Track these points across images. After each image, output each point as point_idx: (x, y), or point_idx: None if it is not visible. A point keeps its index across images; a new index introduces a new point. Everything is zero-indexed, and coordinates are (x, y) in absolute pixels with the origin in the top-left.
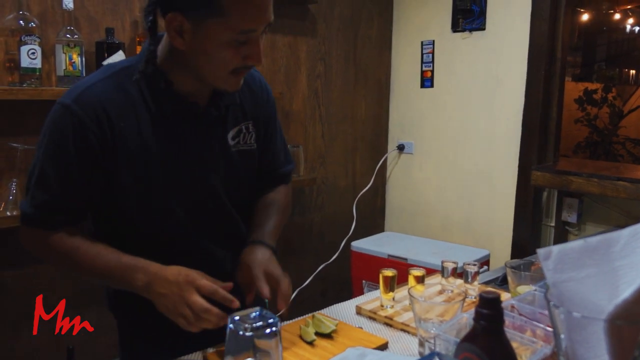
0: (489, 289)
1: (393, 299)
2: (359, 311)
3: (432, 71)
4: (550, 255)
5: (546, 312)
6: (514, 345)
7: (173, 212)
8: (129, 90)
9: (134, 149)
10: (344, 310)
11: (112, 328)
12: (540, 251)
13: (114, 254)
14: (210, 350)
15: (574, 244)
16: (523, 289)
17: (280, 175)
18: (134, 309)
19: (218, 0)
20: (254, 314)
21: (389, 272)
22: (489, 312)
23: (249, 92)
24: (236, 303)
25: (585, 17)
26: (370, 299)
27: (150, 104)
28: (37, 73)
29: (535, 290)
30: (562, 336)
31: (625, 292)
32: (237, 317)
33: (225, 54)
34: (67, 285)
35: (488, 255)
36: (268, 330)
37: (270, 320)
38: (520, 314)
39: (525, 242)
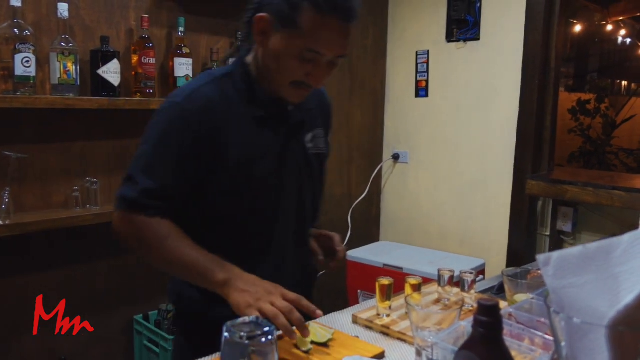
0: (487, 297)
1: (389, 307)
2: (355, 320)
3: (427, 81)
4: (549, 261)
5: (544, 320)
6: (513, 353)
7: (255, 207)
8: (228, 94)
9: (229, 146)
10: (339, 320)
11: (108, 336)
12: (540, 257)
13: (199, 249)
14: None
15: (573, 250)
16: (520, 297)
17: None
18: (194, 306)
19: (298, 16)
20: (249, 321)
21: (386, 281)
22: (488, 319)
23: (320, 102)
24: (319, 313)
25: (578, 28)
26: (367, 307)
27: (245, 106)
28: (32, 81)
29: (533, 298)
30: (563, 344)
31: (627, 298)
32: (232, 325)
33: (291, 64)
34: (67, 286)
35: (484, 265)
36: (264, 339)
37: (266, 329)
38: (519, 322)
39: (520, 251)
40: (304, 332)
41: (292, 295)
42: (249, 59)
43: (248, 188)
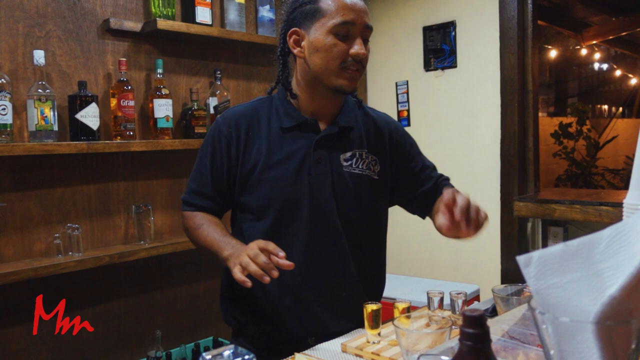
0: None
1: (379, 334)
2: (345, 349)
3: (408, 110)
4: (530, 262)
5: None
6: None
7: (271, 210)
8: (261, 110)
9: (254, 151)
10: (328, 350)
11: (110, 331)
12: (520, 258)
13: (222, 233)
14: None
15: (554, 249)
16: None
17: (441, 180)
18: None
19: (319, 6)
20: (227, 352)
21: (374, 306)
22: (475, 330)
23: (376, 131)
24: (282, 255)
25: (553, 53)
26: (356, 336)
27: (275, 120)
28: (8, 129)
29: (525, 312)
30: (552, 352)
31: (611, 289)
32: (209, 356)
33: (331, 46)
34: (67, 286)
35: (478, 291)
36: None
37: (247, 357)
38: (511, 337)
39: (514, 274)
40: (271, 273)
41: (261, 243)
42: (292, 82)
43: (266, 187)
